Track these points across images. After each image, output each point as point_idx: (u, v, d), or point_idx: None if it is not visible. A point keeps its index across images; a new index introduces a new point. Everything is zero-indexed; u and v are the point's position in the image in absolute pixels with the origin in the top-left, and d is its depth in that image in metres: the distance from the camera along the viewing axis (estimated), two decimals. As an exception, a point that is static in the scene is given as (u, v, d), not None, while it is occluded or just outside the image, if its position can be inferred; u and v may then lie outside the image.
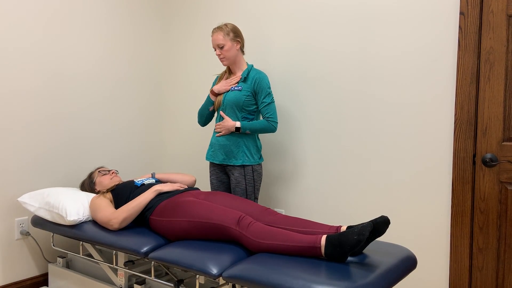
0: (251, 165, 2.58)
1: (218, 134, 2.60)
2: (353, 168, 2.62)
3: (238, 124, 2.54)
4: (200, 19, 3.28)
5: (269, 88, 2.59)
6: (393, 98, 2.46)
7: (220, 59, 2.59)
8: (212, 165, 2.71)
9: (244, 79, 2.59)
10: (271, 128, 2.56)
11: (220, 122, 2.59)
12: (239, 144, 2.57)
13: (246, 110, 2.59)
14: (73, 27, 2.90)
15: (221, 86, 2.63)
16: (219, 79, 2.73)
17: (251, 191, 2.58)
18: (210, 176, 2.72)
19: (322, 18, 2.70)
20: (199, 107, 3.31)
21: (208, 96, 2.68)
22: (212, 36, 2.58)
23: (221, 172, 2.68)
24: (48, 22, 2.77)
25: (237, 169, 2.58)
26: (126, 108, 3.25)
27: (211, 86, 2.76)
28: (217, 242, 2.02)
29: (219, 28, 2.57)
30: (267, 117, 2.56)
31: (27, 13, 2.67)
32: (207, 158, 2.71)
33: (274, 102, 2.60)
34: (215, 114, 2.77)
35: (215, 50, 2.59)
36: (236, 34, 2.58)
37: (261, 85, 2.56)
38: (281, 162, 2.91)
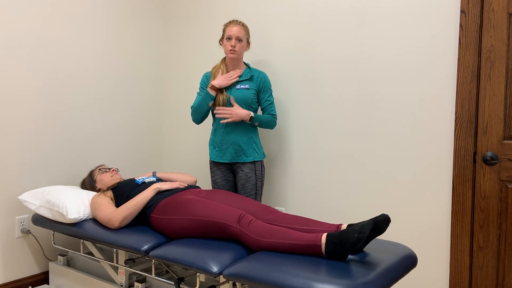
0: (260, 160, 2.65)
1: (225, 121, 2.49)
2: (353, 166, 2.62)
3: (252, 114, 2.56)
4: (200, 17, 3.28)
5: (271, 86, 2.71)
6: (393, 96, 2.46)
7: (232, 51, 2.55)
8: (216, 164, 2.69)
9: (251, 77, 2.63)
10: (274, 124, 2.68)
11: (230, 108, 2.50)
12: (249, 141, 2.62)
13: (252, 108, 2.64)
14: (72, 25, 2.90)
15: (221, 81, 2.57)
16: (213, 74, 2.66)
17: (260, 186, 2.64)
18: (214, 176, 2.70)
19: (322, 17, 2.69)
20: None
21: (207, 92, 2.57)
22: (233, 26, 2.56)
23: (227, 171, 2.68)
24: (47, 19, 2.77)
25: (247, 165, 2.60)
26: (127, 106, 3.25)
27: (201, 81, 2.69)
28: (218, 240, 2.02)
29: (241, 24, 2.60)
30: (272, 114, 2.68)
31: (26, 10, 2.66)
32: (212, 159, 2.68)
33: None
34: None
35: (230, 39, 2.55)
36: (249, 36, 2.66)
37: (266, 84, 2.66)
38: (282, 161, 2.91)
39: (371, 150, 2.55)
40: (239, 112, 2.51)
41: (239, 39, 2.56)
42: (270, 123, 2.65)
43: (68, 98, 2.89)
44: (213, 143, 2.68)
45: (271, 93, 2.68)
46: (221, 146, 2.64)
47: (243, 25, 2.60)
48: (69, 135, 2.91)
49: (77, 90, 2.94)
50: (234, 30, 2.56)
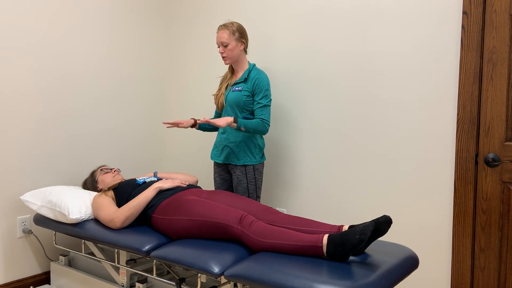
0: (252, 164, 2.59)
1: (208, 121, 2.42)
2: (355, 167, 2.62)
3: (232, 118, 2.42)
4: (203, 18, 3.28)
5: (267, 90, 2.55)
6: (395, 97, 2.46)
7: (223, 57, 2.59)
8: (216, 164, 2.73)
9: (245, 80, 2.59)
10: (263, 129, 2.52)
11: (212, 120, 2.44)
12: (241, 144, 2.58)
13: (247, 110, 2.60)
14: (75, 26, 2.90)
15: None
16: (222, 80, 2.73)
17: (253, 189, 2.59)
18: (214, 174, 2.75)
19: (324, 17, 2.69)
20: (201, 105, 3.32)
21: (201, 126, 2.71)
22: (217, 33, 2.57)
23: (224, 171, 2.70)
24: (50, 20, 2.77)
25: (238, 168, 2.59)
26: (129, 107, 3.26)
27: (217, 90, 2.72)
28: (219, 241, 2.02)
29: (225, 26, 2.55)
30: (262, 119, 2.52)
31: (29, 11, 2.67)
32: (211, 158, 2.74)
33: (270, 105, 2.56)
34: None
35: (219, 47, 2.58)
36: (241, 35, 2.57)
37: (259, 86, 2.54)
38: (283, 162, 2.91)
39: (372, 151, 2.55)
40: (217, 122, 2.38)
41: (224, 45, 2.54)
42: (259, 129, 2.49)
43: (70, 98, 2.90)
44: (215, 143, 2.73)
45: (265, 96, 2.53)
46: (218, 146, 2.68)
47: (226, 26, 2.54)
48: (71, 136, 2.91)
49: (79, 90, 2.95)
50: (218, 37, 2.56)
